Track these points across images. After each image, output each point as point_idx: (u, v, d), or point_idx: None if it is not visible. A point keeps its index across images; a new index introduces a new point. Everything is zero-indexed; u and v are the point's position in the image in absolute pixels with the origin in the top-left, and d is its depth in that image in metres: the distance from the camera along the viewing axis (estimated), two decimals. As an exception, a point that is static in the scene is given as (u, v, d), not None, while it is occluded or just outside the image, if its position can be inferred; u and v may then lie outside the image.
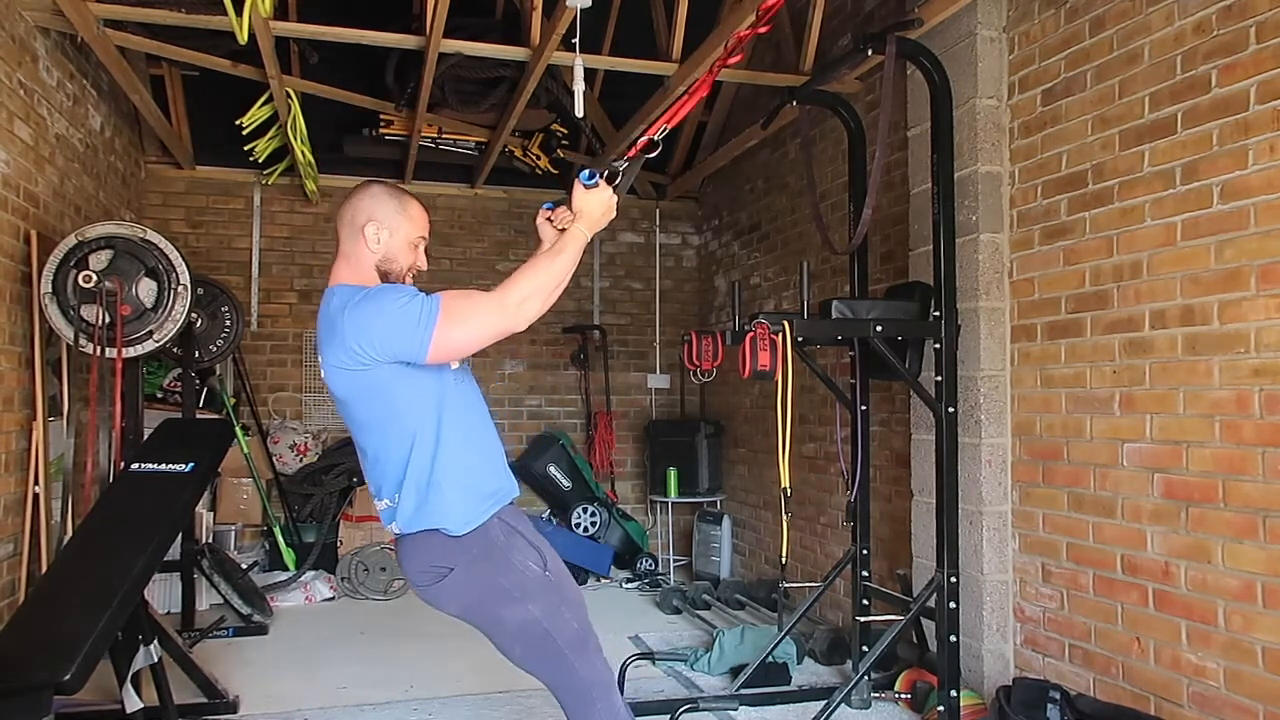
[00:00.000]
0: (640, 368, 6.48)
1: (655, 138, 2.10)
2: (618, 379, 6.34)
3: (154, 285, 3.65)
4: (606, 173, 2.03)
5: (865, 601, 3.55)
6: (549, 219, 2.12)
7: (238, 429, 5.08)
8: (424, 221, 2.06)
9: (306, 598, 5.01)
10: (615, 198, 2.01)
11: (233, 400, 5.34)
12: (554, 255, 1.92)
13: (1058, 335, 3.08)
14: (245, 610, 4.39)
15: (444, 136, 5.46)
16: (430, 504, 1.94)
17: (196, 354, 4.51)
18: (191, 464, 3.02)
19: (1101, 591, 2.89)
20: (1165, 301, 2.68)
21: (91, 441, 3.74)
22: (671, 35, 3.97)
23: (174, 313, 3.68)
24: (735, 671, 3.60)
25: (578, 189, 1.99)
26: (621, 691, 3.14)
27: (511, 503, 2.08)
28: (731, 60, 2.53)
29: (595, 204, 1.98)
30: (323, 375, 1.97)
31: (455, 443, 1.95)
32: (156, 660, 2.89)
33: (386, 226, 1.98)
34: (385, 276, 2.00)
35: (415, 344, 1.83)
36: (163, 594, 4.53)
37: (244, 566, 4.77)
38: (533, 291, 1.86)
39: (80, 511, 3.59)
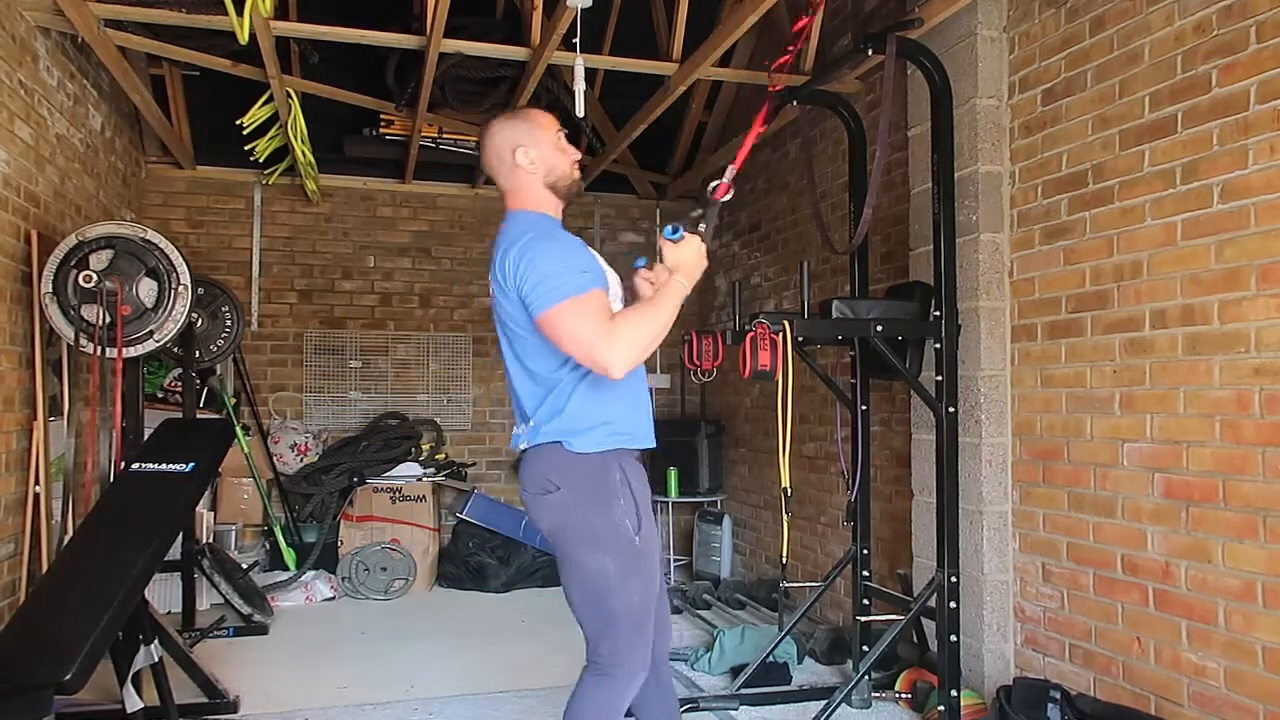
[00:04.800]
0: (640, 367, 6.47)
1: (728, 178, 2.19)
2: (618, 379, 6.33)
3: (154, 285, 3.65)
4: (687, 224, 2.09)
5: (866, 601, 3.55)
6: (647, 279, 2.13)
7: (238, 429, 5.08)
8: (552, 119, 2.13)
9: (307, 597, 5.01)
10: (704, 245, 2.05)
11: (233, 400, 5.34)
12: (655, 306, 1.95)
13: (1058, 335, 3.08)
14: (246, 610, 4.39)
15: (444, 136, 5.46)
16: (562, 418, 1.99)
17: (197, 354, 4.51)
18: (192, 464, 3.02)
19: (1102, 591, 2.89)
20: (1165, 301, 2.68)
21: (92, 441, 3.74)
22: (672, 35, 3.97)
23: (174, 313, 3.68)
24: (736, 671, 3.61)
25: (665, 245, 2.05)
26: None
27: (641, 454, 2.11)
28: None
29: (687, 254, 2.03)
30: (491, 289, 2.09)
31: (601, 377, 1.96)
32: (157, 660, 2.90)
33: (530, 144, 2.06)
34: (554, 187, 2.09)
35: (535, 305, 1.91)
36: (163, 594, 4.52)
37: (244, 566, 4.77)
38: (635, 339, 1.89)
39: (80, 511, 3.59)
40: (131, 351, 3.64)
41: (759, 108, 2.72)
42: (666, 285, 2.00)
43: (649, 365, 6.44)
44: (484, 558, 5.45)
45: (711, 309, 6.30)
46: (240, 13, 3.33)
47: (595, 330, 1.86)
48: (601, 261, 2.09)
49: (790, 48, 3.01)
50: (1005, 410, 3.29)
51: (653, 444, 2.14)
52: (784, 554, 2.83)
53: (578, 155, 2.13)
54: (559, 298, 1.88)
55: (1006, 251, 3.31)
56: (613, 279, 2.10)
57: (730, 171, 2.19)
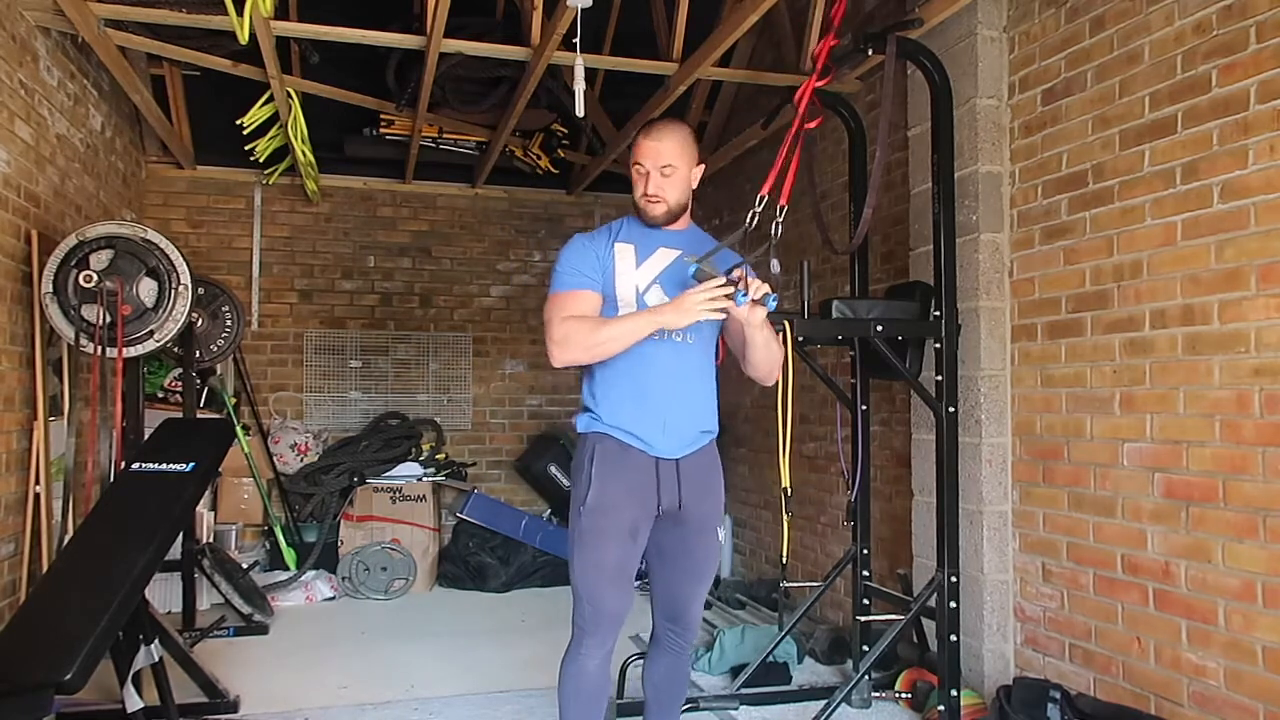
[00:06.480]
0: (641, 367, 6.47)
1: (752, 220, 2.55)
2: (618, 379, 6.33)
3: (155, 285, 3.65)
4: (698, 268, 2.17)
5: (866, 601, 3.55)
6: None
7: (238, 428, 5.08)
8: (640, 149, 2.28)
9: (307, 597, 5.01)
10: (695, 291, 2.11)
11: (233, 400, 5.34)
12: (613, 321, 2.17)
13: (1058, 335, 3.09)
14: (246, 610, 4.39)
15: (444, 136, 5.46)
16: (583, 406, 2.34)
17: (197, 354, 4.51)
18: (192, 464, 3.02)
19: (1102, 591, 2.89)
20: (1165, 301, 2.68)
21: (92, 441, 3.74)
22: (672, 35, 3.97)
23: (175, 312, 3.68)
24: (736, 671, 3.61)
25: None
26: (621, 692, 3.15)
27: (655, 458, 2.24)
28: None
29: (680, 298, 2.15)
30: None
31: (617, 374, 2.24)
32: (157, 660, 2.90)
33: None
34: (635, 200, 2.33)
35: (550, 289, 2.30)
36: (163, 594, 4.52)
37: (245, 566, 4.77)
38: (574, 341, 2.15)
39: (81, 511, 3.59)
40: (132, 351, 3.64)
41: (760, 107, 2.74)
42: (646, 309, 2.20)
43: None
44: (484, 558, 5.45)
45: (711, 309, 6.29)
46: (240, 13, 3.33)
47: (550, 322, 2.20)
48: (621, 261, 2.28)
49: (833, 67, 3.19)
50: (1005, 410, 3.29)
51: (656, 452, 2.24)
52: (784, 554, 2.83)
53: (642, 193, 2.29)
54: (550, 291, 2.28)
55: (1006, 251, 3.31)
56: (624, 278, 2.27)
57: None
